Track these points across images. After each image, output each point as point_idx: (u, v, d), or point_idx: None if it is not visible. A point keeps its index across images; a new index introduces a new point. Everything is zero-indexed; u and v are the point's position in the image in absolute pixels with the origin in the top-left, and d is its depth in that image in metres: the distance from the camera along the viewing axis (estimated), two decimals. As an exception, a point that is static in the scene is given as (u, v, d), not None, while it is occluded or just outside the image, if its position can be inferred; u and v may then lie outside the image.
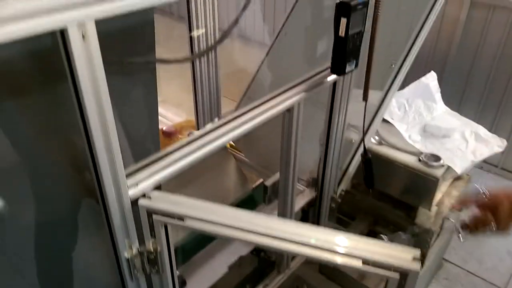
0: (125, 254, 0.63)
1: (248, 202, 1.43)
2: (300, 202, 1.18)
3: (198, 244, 1.08)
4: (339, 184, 1.26)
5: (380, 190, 1.41)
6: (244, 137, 1.54)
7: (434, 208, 1.36)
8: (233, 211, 0.59)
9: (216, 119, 1.49)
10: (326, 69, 0.93)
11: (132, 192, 0.60)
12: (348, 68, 0.89)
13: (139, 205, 0.61)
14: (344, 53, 0.86)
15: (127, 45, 0.61)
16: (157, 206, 0.60)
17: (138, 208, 0.62)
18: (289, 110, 0.86)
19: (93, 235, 0.67)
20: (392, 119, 1.48)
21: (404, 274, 0.52)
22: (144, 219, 0.62)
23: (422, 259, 1.43)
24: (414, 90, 1.55)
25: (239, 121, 0.76)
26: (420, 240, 1.41)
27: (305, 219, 1.30)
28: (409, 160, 1.32)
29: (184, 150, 0.67)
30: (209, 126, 0.72)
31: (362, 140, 1.17)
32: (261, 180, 1.49)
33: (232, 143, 1.56)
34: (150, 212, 0.61)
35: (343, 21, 0.82)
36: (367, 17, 0.87)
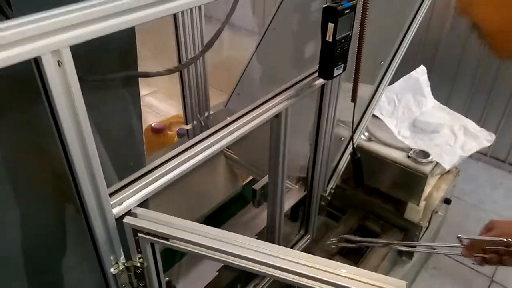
0: (111, 270, 0.63)
1: (238, 200, 1.43)
2: (289, 201, 1.18)
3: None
4: (328, 182, 1.26)
5: (370, 185, 1.42)
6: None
7: (422, 203, 1.37)
8: (220, 233, 0.59)
9: (206, 114, 1.48)
10: (314, 72, 0.92)
11: (116, 210, 0.60)
12: (336, 72, 0.88)
13: (124, 223, 0.60)
14: (332, 58, 0.85)
15: (108, 60, 0.60)
16: (142, 225, 0.60)
17: (123, 227, 0.61)
18: (277, 116, 0.86)
19: (79, 251, 0.67)
20: (382, 114, 1.48)
21: None
22: (130, 236, 0.62)
23: (411, 252, 1.46)
24: (404, 85, 1.55)
25: (227, 130, 0.75)
26: (409, 235, 1.43)
27: (295, 216, 1.31)
28: (398, 156, 1.33)
29: (171, 163, 0.66)
30: (197, 137, 0.72)
31: (351, 139, 1.16)
32: (251, 177, 1.49)
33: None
34: (135, 231, 0.61)
35: (330, 26, 0.80)
36: (355, 20, 0.85)
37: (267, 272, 0.56)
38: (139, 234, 0.61)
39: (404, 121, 1.48)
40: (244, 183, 1.46)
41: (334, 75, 0.88)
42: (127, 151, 0.68)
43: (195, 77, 1.32)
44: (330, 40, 0.82)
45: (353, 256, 1.34)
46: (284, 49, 1.45)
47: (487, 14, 0.46)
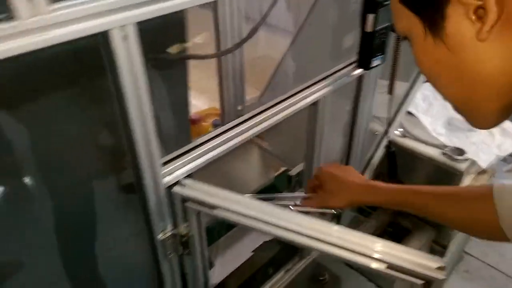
0: (159, 236, 0.68)
1: (270, 191, 1.46)
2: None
3: (224, 228, 1.12)
4: (362, 174, 1.28)
5: (403, 181, 1.42)
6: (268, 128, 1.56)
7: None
8: (261, 205, 0.62)
9: (239, 107, 1.53)
10: (352, 63, 0.94)
11: (167, 179, 0.65)
12: (374, 63, 0.91)
13: (173, 192, 0.65)
14: (370, 48, 0.88)
15: (162, 40, 0.65)
16: (190, 194, 0.65)
17: (172, 194, 0.66)
18: (315, 104, 0.89)
19: (130, 218, 0.72)
20: (417, 111, 1.48)
21: (428, 282, 0.53)
22: (178, 205, 0.67)
23: (443, 250, 1.45)
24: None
25: (265, 115, 0.79)
26: (442, 232, 1.42)
27: (327, 208, 1.33)
28: (433, 153, 1.33)
29: (214, 141, 0.71)
30: (236, 120, 0.76)
31: (386, 132, 1.18)
32: (283, 169, 1.52)
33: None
34: (183, 199, 0.66)
35: (370, 16, 0.83)
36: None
37: (309, 244, 0.59)
38: (187, 203, 0.66)
39: (439, 118, 1.47)
40: (276, 174, 1.49)
41: (372, 65, 0.91)
42: (174, 127, 0.73)
43: (233, 69, 1.37)
44: (370, 30, 0.85)
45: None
46: (319, 44, 1.48)
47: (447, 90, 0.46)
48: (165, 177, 0.65)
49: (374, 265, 0.55)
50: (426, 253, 0.54)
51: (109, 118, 0.62)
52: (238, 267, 1.14)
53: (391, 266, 0.54)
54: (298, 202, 0.86)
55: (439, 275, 0.51)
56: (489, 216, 0.57)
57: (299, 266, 1.19)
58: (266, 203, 0.62)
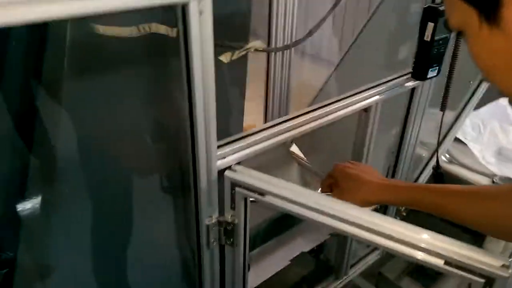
0: (206, 221, 0.68)
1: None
2: (364, 209, 1.17)
3: (262, 238, 1.10)
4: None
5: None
6: (308, 142, 1.56)
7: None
8: (314, 194, 0.61)
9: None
10: (406, 74, 0.93)
11: (220, 163, 0.65)
12: (430, 74, 0.90)
13: (225, 176, 0.65)
14: (427, 58, 0.87)
15: (227, 28, 0.67)
16: (241, 179, 0.64)
17: (222, 180, 0.66)
18: (366, 110, 0.88)
19: (179, 202, 0.72)
20: (465, 138, 1.44)
21: (490, 280, 0.49)
22: (228, 190, 0.66)
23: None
24: (491, 111, 1.50)
25: (315, 114, 0.78)
26: (478, 242, 1.33)
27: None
28: (482, 181, 1.27)
29: (265, 133, 0.71)
30: (287, 116, 0.76)
31: (436, 152, 1.14)
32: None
33: (296, 148, 1.58)
34: (233, 184, 0.65)
35: (430, 25, 0.83)
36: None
37: (364, 236, 0.57)
38: (236, 188, 0.65)
39: (489, 147, 1.42)
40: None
41: (428, 77, 0.90)
42: (230, 115, 0.74)
43: (280, 80, 1.39)
44: (428, 39, 0.84)
45: (424, 280, 1.28)
46: (367, 64, 1.48)
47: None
48: (218, 160, 0.65)
49: (431, 260, 0.52)
50: (488, 251, 0.50)
51: (174, 96, 0.64)
52: (272, 282, 1.11)
53: (448, 262, 0.51)
54: None
55: (503, 273, 0.48)
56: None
57: (334, 286, 1.14)
58: (319, 192, 0.60)
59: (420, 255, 0.53)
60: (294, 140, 1.57)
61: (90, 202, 0.65)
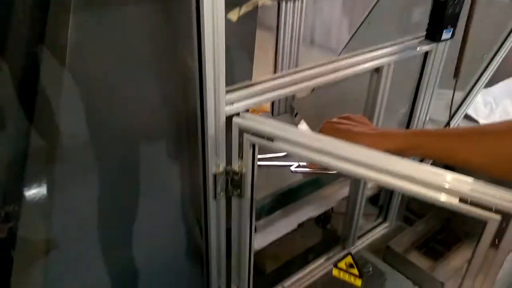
0: (213, 169, 0.67)
1: (315, 183, 1.42)
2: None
3: (267, 210, 1.10)
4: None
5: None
6: (317, 119, 1.54)
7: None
8: (325, 138, 0.60)
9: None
10: (420, 37, 0.91)
11: (228, 109, 0.64)
12: (444, 36, 0.88)
13: (233, 122, 0.64)
14: (442, 18, 0.85)
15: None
16: (250, 124, 0.63)
17: (230, 128, 0.65)
18: (378, 70, 0.86)
19: (186, 150, 0.71)
20: (477, 115, 1.41)
21: (507, 216, 0.47)
22: (235, 137, 0.65)
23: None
24: (503, 89, 1.47)
25: (326, 68, 0.77)
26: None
27: (376, 199, 1.27)
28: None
29: (276, 82, 0.70)
30: (298, 68, 0.75)
31: (448, 124, 1.12)
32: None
33: (306, 126, 1.57)
34: (241, 131, 0.64)
35: (445, -17, 0.81)
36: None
37: (370, 176, 0.55)
38: (244, 135, 0.64)
39: (502, 124, 1.39)
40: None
41: (442, 38, 0.87)
42: (239, 62, 0.73)
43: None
44: (443, -2, 0.82)
45: (433, 255, 1.26)
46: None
47: None
48: (226, 105, 0.64)
49: (445, 198, 0.50)
50: (504, 187, 0.49)
51: (182, 37, 0.62)
52: (279, 251, 1.10)
53: (464, 199, 0.49)
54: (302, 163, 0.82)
55: None
56: None
57: (341, 255, 1.13)
58: (330, 137, 0.59)
59: (433, 194, 0.51)
60: (303, 117, 1.56)
61: (94, 154, 0.64)
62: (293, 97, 1.53)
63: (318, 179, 1.31)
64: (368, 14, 1.56)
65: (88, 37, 0.57)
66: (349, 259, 0.88)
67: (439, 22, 0.85)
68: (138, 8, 0.59)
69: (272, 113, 1.53)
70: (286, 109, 1.57)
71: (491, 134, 0.62)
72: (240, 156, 0.67)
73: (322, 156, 0.58)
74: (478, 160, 0.61)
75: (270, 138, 0.62)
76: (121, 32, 0.60)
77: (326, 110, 1.57)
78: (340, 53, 1.72)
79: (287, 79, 0.71)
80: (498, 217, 0.47)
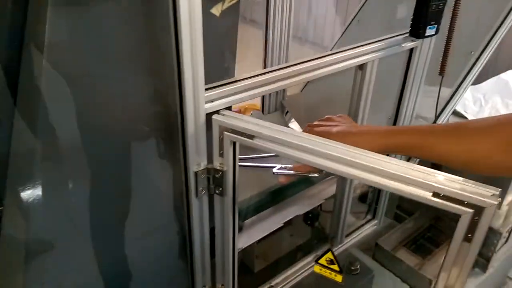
0: (194, 168, 0.67)
1: (303, 183, 1.42)
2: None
3: (254, 209, 1.09)
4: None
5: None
6: (307, 117, 1.54)
7: (505, 207, 1.27)
8: (305, 135, 0.60)
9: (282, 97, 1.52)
10: (404, 33, 0.91)
11: (208, 106, 0.64)
12: (428, 32, 0.88)
13: (212, 120, 0.64)
14: (425, 15, 0.85)
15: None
16: (230, 122, 0.63)
17: (210, 126, 0.65)
18: (361, 67, 0.86)
19: (167, 150, 0.71)
20: (466, 112, 1.41)
21: (478, 209, 0.47)
22: (216, 135, 0.65)
23: (486, 263, 1.33)
24: (492, 86, 1.47)
25: (310, 64, 0.77)
26: (486, 242, 1.31)
27: (364, 197, 1.27)
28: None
29: (257, 78, 0.69)
30: (281, 65, 0.74)
31: (435, 122, 1.13)
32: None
33: (296, 125, 1.57)
34: (222, 129, 0.64)
35: (428, -20, 0.80)
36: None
37: (354, 174, 0.55)
38: (225, 133, 0.64)
39: (490, 121, 1.40)
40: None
41: (425, 35, 0.87)
42: (221, 60, 0.73)
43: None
44: (426, -6, 0.82)
45: (421, 252, 1.26)
46: (372, 31, 1.46)
47: None
48: (206, 103, 0.63)
49: (418, 193, 0.50)
50: (477, 182, 0.49)
51: (160, 34, 0.62)
52: (267, 250, 1.10)
53: (436, 194, 0.49)
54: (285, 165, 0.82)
55: (492, 201, 0.46)
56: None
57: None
58: (312, 135, 0.59)
59: (406, 188, 0.51)
60: (293, 115, 1.55)
61: (72, 154, 0.64)
62: (283, 95, 1.53)
63: (305, 178, 1.31)
64: (358, 12, 1.57)
65: (65, 35, 0.56)
66: (329, 255, 0.88)
67: (422, 18, 0.85)
68: (116, 5, 0.59)
69: (263, 111, 1.53)
70: (277, 107, 1.56)
71: (471, 131, 0.62)
72: (221, 154, 0.66)
73: (300, 153, 0.58)
74: (458, 157, 0.62)
75: (250, 136, 0.62)
76: (98, 29, 0.59)
77: (316, 108, 1.57)
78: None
79: (268, 76, 0.71)
80: (470, 211, 0.47)
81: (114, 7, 0.58)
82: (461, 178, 0.49)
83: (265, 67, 1.37)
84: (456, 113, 1.43)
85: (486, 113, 1.44)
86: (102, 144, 0.66)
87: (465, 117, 1.40)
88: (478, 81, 1.41)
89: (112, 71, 0.63)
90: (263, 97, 1.50)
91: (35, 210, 0.60)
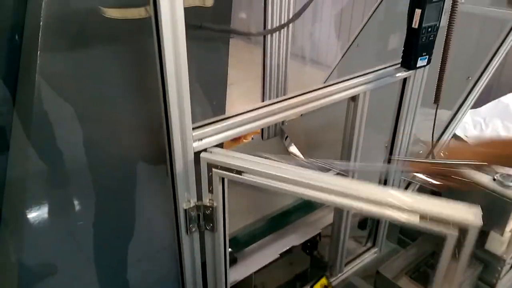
0: (184, 205, 0.67)
1: (307, 206, 1.42)
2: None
3: (252, 237, 1.09)
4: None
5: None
6: (306, 142, 1.54)
7: (507, 234, 1.24)
8: (290, 167, 0.60)
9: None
10: (396, 64, 0.92)
11: (196, 144, 0.64)
12: (419, 63, 0.88)
13: (201, 158, 0.64)
14: (416, 46, 0.85)
15: (206, 12, 0.67)
16: (218, 159, 0.63)
17: (199, 163, 0.65)
18: (354, 99, 0.86)
19: (157, 188, 0.71)
20: (466, 136, 1.40)
21: (463, 230, 0.49)
22: (204, 172, 0.65)
23: (493, 284, 1.30)
24: (492, 110, 1.47)
25: (301, 99, 0.77)
26: (489, 268, 1.29)
27: (364, 224, 1.26)
28: (483, 179, 1.23)
29: (245, 116, 0.70)
30: (268, 101, 0.75)
31: (431, 152, 1.12)
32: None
33: (296, 149, 1.57)
34: (210, 166, 0.64)
35: (417, 12, 0.81)
36: (444, 12, 0.85)
37: (336, 201, 0.55)
38: (213, 170, 0.64)
39: (491, 145, 1.39)
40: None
41: (417, 66, 0.88)
42: (210, 98, 0.74)
43: (276, 84, 1.38)
44: (416, 26, 0.83)
45: (423, 281, 1.24)
46: (366, 63, 1.47)
47: None
48: (194, 141, 0.64)
49: (406, 217, 0.50)
50: (460, 202, 0.49)
51: (148, 80, 0.63)
52: (266, 278, 1.09)
53: (423, 217, 0.50)
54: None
55: (476, 222, 0.46)
56: None
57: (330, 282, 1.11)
58: (293, 166, 0.59)
59: (395, 214, 0.51)
60: (292, 140, 1.56)
61: (65, 193, 0.65)
62: (282, 121, 1.54)
63: (303, 204, 1.31)
64: (357, 36, 1.58)
65: (54, 77, 0.58)
66: (323, 281, 0.87)
67: (413, 50, 0.86)
68: (102, 49, 0.60)
69: (262, 136, 1.54)
70: (276, 133, 1.57)
71: None
72: (210, 190, 0.67)
73: (289, 185, 0.58)
74: None
75: (239, 172, 0.62)
76: (88, 70, 0.61)
77: (315, 133, 1.57)
78: (331, 73, 1.73)
79: (255, 113, 0.71)
80: (456, 231, 0.48)
81: (100, 51, 0.60)
82: (445, 201, 0.50)
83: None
84: (456, 137, 1.43)
85: (487, 136, 1.43)
86: (94, 182, 0.67)
87: (465, 141, 1.39)
88: (479, 104, 1.41)
89: (100, 112, 0.64)
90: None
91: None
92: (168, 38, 0.55)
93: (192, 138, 0.63)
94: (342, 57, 1.72)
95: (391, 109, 1.04)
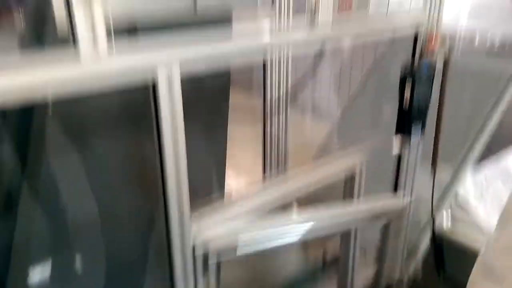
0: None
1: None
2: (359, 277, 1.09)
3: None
4: (407, 264, 1.16)
5: (455, 278, 1.26)
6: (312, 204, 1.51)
7: None
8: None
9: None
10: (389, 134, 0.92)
11: (194, 238, 0.62)
12: (413, 136, 0.88)
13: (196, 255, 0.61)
14: (409, 123, 0.85)
15: (204, 89, 0.67)
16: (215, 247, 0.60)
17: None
18: (351, 178, 0.85)
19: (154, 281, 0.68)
20: (468, 198, 1.38)
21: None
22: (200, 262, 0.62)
23: None
24: (493, 171, 1.45)
25: (288, 187, 0.76)
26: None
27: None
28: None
29: (247, 205, 0.68)
30: (273, 181, 0.73)
31: (432, 221, 1.09)
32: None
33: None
34: (206, 258, 0.61)
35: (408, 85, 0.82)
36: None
37: None
38: (209, 262, 0.61)
39: (493, 208, 1.36)
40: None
41: (411, 135, 0.88)
42: (210, 181, 0.72)
43: (277, 144, 1.37)
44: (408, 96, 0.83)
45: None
46: (361, 126, 1.49)
47: None
48: (193, 238, 0.61)
49: None
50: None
51: (144, 167, 0.62)
52: None
53: None
54: None
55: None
56: None
57: None
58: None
59: None
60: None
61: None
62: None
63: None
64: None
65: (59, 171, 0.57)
66: None
67: (407, 126, 0.86)
68: (107, 141, 0.60)
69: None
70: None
71: None
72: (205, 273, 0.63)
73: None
74: None
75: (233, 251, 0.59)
76: (90, 164, 0.59)
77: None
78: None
79: (262, 198, 0.69)
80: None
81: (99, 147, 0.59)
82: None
83: (264, 139, 1.31)
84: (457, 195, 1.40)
85: (488, 200, 1.41)
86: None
87: (467, 201, 1.36)
88: (478, 162, 1.40)
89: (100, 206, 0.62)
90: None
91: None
92: (167, 117, 0.54)
93: (191, 234, 0.61)
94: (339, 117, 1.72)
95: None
